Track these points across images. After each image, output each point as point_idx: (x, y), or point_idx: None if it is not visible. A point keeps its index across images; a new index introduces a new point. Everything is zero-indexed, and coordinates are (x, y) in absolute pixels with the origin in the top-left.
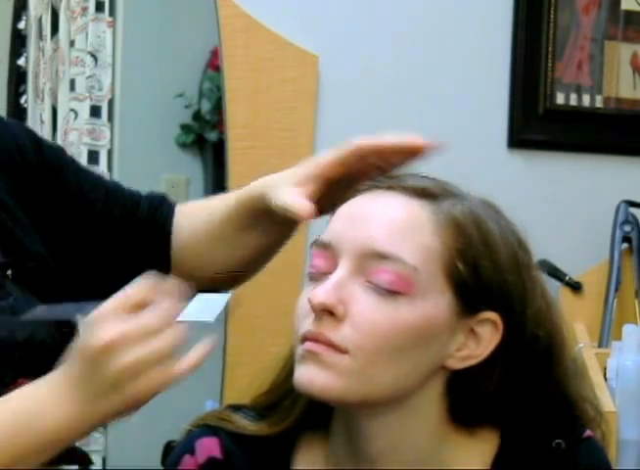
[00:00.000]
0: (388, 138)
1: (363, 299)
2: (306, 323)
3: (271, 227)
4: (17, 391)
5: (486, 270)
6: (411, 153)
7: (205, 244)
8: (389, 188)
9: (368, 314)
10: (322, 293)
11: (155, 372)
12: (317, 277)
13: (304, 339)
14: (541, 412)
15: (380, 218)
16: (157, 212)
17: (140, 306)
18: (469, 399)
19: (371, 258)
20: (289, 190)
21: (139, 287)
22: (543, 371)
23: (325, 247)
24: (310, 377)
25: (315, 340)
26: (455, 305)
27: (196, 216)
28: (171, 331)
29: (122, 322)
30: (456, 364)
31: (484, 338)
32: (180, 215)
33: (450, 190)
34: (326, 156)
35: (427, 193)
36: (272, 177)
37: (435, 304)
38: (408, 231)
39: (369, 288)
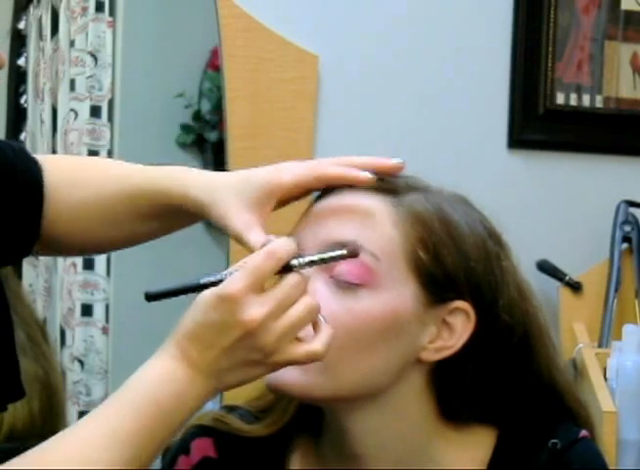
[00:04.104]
0: (357, 160)
1: (325, 293)
2: None
3: (169, 221)
4: (142, 373)
5: (450, 258)
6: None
7: (87, 222)
8: (351, 186)
9: (329, 308)
10: None
11: (295, 346)
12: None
13: None
14: (535, 409)
15: (339, 214)
16: (27, 169)
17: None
18: (453, 393)
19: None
20: (247, 222)
21: (267, 257)
22: (524, 362)
23: None
24: (278, 373)
25: None
26: (421, 295)
27: (78, 190)
28: (306, 299)
29: (265, 300)
30: (431, 356)
31: (457, 328)
32: (52, 183)
33: (414, 185)
34: (287, 177)
35: (387, 189)
36: (200, 179)
37: (399, 294)
38: (367, 223)
39: (331, 283)
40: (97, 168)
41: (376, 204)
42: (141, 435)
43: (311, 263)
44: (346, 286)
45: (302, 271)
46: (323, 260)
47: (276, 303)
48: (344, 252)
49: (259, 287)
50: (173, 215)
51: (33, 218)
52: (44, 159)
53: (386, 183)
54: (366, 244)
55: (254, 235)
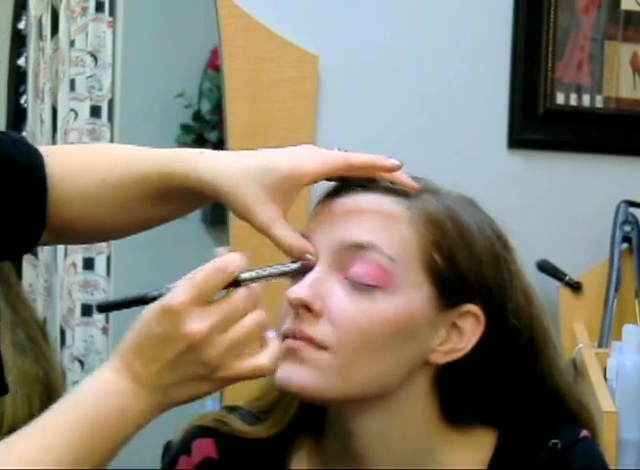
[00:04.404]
0: (365, 156)
1: (341, 294)
2: (287, 321)
3: (181, 204)
4: (87, 385)
5: (463, 262)
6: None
7: (95, 208)
8: (364, 187)
9: (345, 309)
10: (299, 289)
11: (241, 361)
12: (296, 276)
13: (284, 336)
14: (535, 411)
15: (354, 214)
16: (29, 161)
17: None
18: (457, 395)
19: (347, 251)
20: (272, 216)
21: (216, 271)
22: (528, 365)
23: None
24: (289, 374)
25: (294, 336)
26: (434, 299)
27: (83, 176)
28: (254, 314)
29: (209, 313)
30: (440, 359)
31: (467, 331)
32: (54, 169)
33: (425, 187)
34: (312, 166)
35: (400, 190)
36: (212, 162)
37: (413, 297)
38: (383, 224)
39: (347, 283)
40: (103, 154)
41: (390, 205)
42: (79, 449)
43: (260, 278)
44: (362, 287)
45: (252, 286)
46: (275, 275)
47: (221, 316)
48: (297, 266)
49: (205, 300)
50: (185, 198)
51: (38, 208)
52: (50, 149)
53: (397, 185)
54: (382, 245)
55: (280, 231)
